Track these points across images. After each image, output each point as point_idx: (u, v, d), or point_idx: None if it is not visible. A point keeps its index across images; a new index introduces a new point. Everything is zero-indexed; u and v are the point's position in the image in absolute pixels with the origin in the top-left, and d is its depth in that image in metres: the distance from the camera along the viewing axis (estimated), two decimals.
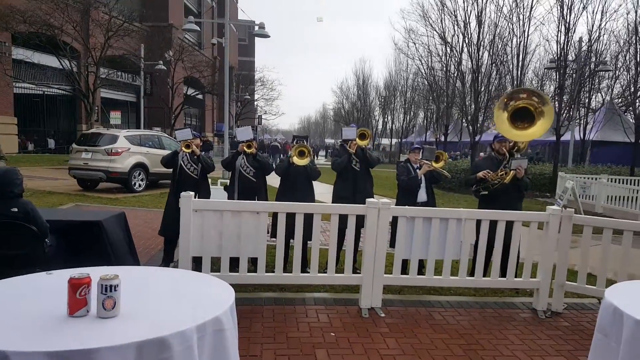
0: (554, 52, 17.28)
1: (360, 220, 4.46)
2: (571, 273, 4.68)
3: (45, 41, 20.43)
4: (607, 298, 2.24)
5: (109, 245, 4.22)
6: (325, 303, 4.38)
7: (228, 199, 5.38)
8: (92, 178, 12.15)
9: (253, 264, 4.67)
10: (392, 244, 4.59)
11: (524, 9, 18.52)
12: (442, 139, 27.17)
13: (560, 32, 16.15)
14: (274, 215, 4.64)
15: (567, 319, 4.33)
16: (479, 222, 4.43)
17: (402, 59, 38.23)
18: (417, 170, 5.21)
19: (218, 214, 4.05)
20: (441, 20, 21.94)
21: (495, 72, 20.30)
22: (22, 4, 19.39)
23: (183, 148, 5.16)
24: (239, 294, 4.38)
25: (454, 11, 21.18)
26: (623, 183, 13.51)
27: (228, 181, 5.65)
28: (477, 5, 20.13)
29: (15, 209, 3.46)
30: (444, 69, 23.70)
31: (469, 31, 20.51)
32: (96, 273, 1.87)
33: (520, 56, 18.92)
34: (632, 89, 18.78)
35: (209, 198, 5.32)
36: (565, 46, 16.06)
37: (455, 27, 21.33)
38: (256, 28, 15.84)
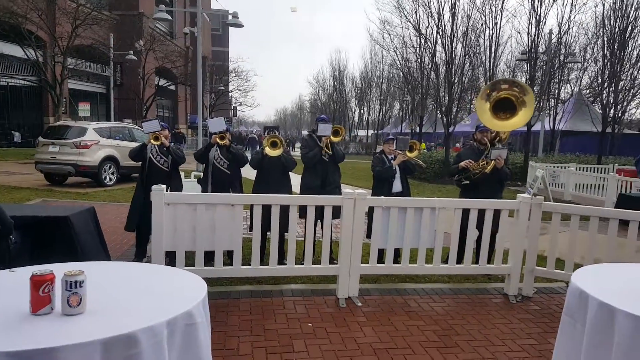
0: (525, 44, 17.64)
1: (335, 211, 4.49)
2: (541, 258, 4.83)
3: (8, 30, 19.59)
4: (573, 282, 2.32)
5: (78, 241, 4.09)
6: (303, 294, 4.40)
7: (202, 191, 5.31)
8: (60, 172, 11.78)
9: (229, 257, 4.65)
10: (368, 235, 4.63)
11: (496, 1, 18.80)
12: (418, 130, 27.49)
13: (531, 24, 16.52)
14: (251, 208, 4.61)
15: (537, 302, 4.48)
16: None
17: (377, 50, 38.42)
18: (392, 161, 5.26)
19: (192, 207, 3.99)
20: (415, 12, 22.06)
21: (468, 64, 20.58)
22: None
23: (152, 140, 5.01)
24: (215, 288, 4.37)
25: (428, 3, 21.31)
26: (590, 171, 13.99)
27: (202, 174, 5.57)
28: None
29: None
30: (419, 60, 23.88)
31: (442, 23, 20.70)
32: (61, 269, 1.81)
33: (493, 48, 19.20)
34: (600, 80, 19.39)
35: (181, 191, 5.22)
36: (535, 38, 16.43)
37: (429, 19, 21.49)
38: (230, 17, 15.62)
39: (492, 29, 19.17)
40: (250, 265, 4.28)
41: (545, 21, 16.69)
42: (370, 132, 47.09)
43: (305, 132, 70.76)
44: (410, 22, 22.53)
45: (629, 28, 17.42)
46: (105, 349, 1.55)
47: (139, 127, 15.23)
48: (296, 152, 22.03)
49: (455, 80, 19.81)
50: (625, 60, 17.79)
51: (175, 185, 5.15)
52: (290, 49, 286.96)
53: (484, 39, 19.74)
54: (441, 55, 21.39)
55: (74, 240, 4.04)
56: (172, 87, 35.22)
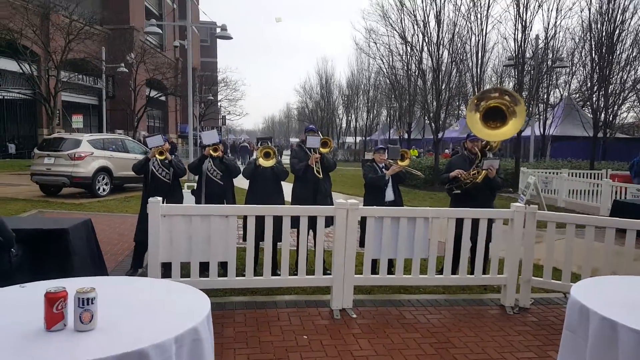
0: (512, 50, 17.81)
1: (328, 220, 4.44)
2: (537, 268, 4.79)
3: (4, 45, 19.80)
4: (573, 296, 2.28)
5: (77, 253, 4.11)
6: (297, 305, 4.33)
7: (195, 202, 5.29)
8: (55, 183, 11.79)
9: (222, 267, 4.60)
10: (362, 243, 4.58)
11: (481, 7, 18.96)
12: (406, 136, 27.57)
13: (517, 30, 16.61)
14: (244, 219, 4.56)
15: (535, 314, 4.41)
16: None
17: (363, 58, 38.61)
18: (385, 171, 5.22)
19: (187, 219, 3.98)
20: (401, 20, 22.20)
21: (455, 70, 20.71)
22: None
23: (157, 155, 5.06)
24: (210, 299, 4.28)
25: (413, 11, 21.46)
26: (583, 177, 14.02)
27: (195, 185, 5.54)
28: (436, 5, 20.48)
29: None
30: (405, 67, 23.99)
31: (428, 30, 20.82)
32: (72, 286, 1.85)
33: (479, 54, 19.37)
34: (589, 84, 19.54)
35: (181, 202, 5.26)
36: (522, 44, 16.53)
37: (415, 27, 21.61)
38: (218, 30, 15.65)
39: (478, 36, 19.35)
40: (244, 276, 4.24)
41: (531, 26, 16.83)
42: (358, 138, 47.19)
43: (293, 140, 70.79)
44: (395, 30, 22.66)
45: (617, 31, 17.59)
46: None
47: (131, 139, 15.20)
48: (285, 160, 22.01)
49: (443, 87, 19.91)
50: (614, 63, 17.95)
51: (176, 196, 5.20)
52: (277, 58, 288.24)
53: (471, 46, 19.92)
54: (428, 62, 21.54)
55: (73, 253, 4.05)
56: (163, 98, 35.20)
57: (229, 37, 15.34)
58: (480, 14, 18.85)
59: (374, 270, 4.69)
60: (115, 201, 11.06)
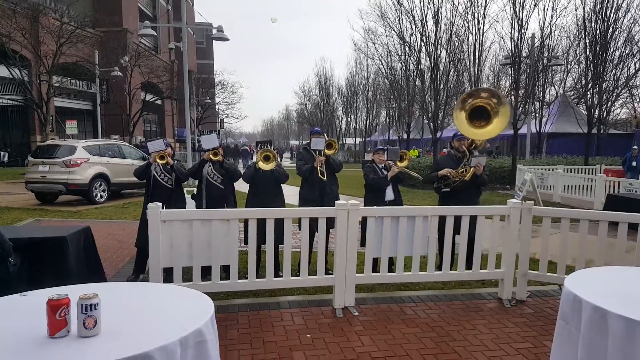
0: (508, 49, 17.97)
1: (330, 221, 4.55)
2: (533, 262, 4.91)
3: None
4: (567, 286, 2.39)
5: (75, 261, 4.12)
6: (300, 305, 4.43)
7: (196, 207, 5.34)
8: (51, 191, 11.76)
9: (225, 271, 4.67)
10: (363, 243, 4.68)
11: (478, 7, 19.16)
12: (405, 136, 27.70)
13: (514, 29, 16.82)
14: (245, 222, 4.64)
15: (531, 306, 4.56)
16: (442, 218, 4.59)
17: (362, 59, 38.85)
18: (384, 171, 5.34)
19: (187, 224, 4.03)
20: (399, 20, 22.42)
21: (453, 70, 20.88)
22: None
23: (158, 160, 5.09)
24: (213, 302, 4.38)
25: (411, 11, 21.68)
26: (578, 173, 14.21)
27: (195, 189, 5.60)
28: (434, 5, 20.70)
29: None
30: (404, 68, 24.19)
31: (426, 30, 21.04)
32: (74, 292, 1.86)
33: (477, 53, 19.55)
34: (584, 82, 19.74)
35: (184, 207, 5.28)
36: (518, 42, 16.73)
37: (413, 27, 21.84)
38: (214, 31, 15.70)
39: (475, 35, 19.55)
40: (246, 278, 4.31)
41: (527, 25, 17.09)
42: (358, 139, 47.34)
43: (292, 142, 70.48)
44: (394, 30, 22.87)
45: (610, 30, 17.79)
46: None
47: (127, 144, 15.22)
48: (285, 162, 22.12)
49: (441, 87, 20.08)
50: (607, 61, 18.15)
51: (178, 202, 5.24)
52: (275, 59, 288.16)
53: (468, 45, 20.12)
54: (426, 62, 21.71)
55: (72, 261, 4.07)
56: (159, 102, 35.13)
57: (226, 39, 15.39)
58: (477, 14, 19.08)
59: (375, 268, 4.80)
60: (113, 208, 11.09)
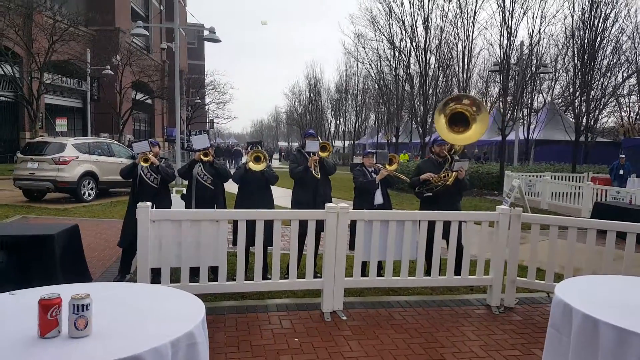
0: (497, 56, 18.11)
1: (320, 224, 4.51)
2: (521, 269, 4.91)
3: None
4: (557, 295, 2.38)
5: (62, 259, 4.06)
6: (288, 309, 4.38)
7: (185, 207, 5.29)
8: (39, 188, 11.63)
9: (212, 272, 4.61)
10: (352, 246, 4.65)
11: (467, 14, 19.31)
12: (394, 140, 27.77)
13: (503, 36, 16.97)
14: (234, 223, 4.59)
15: (520, 313, 4.54)
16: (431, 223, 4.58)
17: (352, 63, 38.96)
18: (374, 175, 5.32)
19: (176, 224, 3.97)
20: (389, 26, 22.52)
21: (442, 75, 21.01)
22: None
23: (142, 162, 5.00)
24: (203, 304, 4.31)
25: (402, 16, 21.79)
26: (566, 180, 14.33)
27: (184, 189, 5.54)
28: (424, 11, 20.84)
29: None
30: (393, 72, 24.30)
31: (416, 36, 21.16)
32: (65, 292, 1.84)
33: (466, 60, 19.70)
34: (571, 90, 19.97)
35: (170, 208, 5.21)
36: (507, 50, 16.87)
37: (403, 32, 21.96)
38: (206, 32, 15.62)
39: (464, 42, 19.69)
40: (234, 280, 4.26)
41: (516, 33, 17.18)
42: (347, 142, 47.36)
43: (282, 144, 70.19)
44: (384, 35, 22.97)
45: (598, 39, 18.02)
46: None
47: (117, 142, 15.06)
48: (274, 164, 22.07)
49: (430, 92, 20.18)
50: (595, 70, 18.38)
51: (164, 202, 5.15)
52: (265, 61, 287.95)
53: (457, 51, 20.27)
54: (415, 67, 21.83)
55: (59, 259, 4.00)
56: (149, 101, 34.89)
57: (217, 40, 15.32)
58: (467, 20, 19.24)
59: (364, 272, 4.77)
60: (101, 206, 10.95)
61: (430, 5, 20.66)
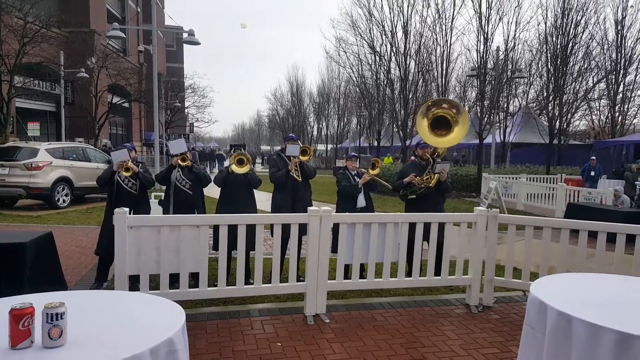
0: (474, 61, 18.46)
1: (302, 228, 4.53)
2: (498, 268, 5.03)
3: None
4: (532, 292, 2.46)
5: (35, 268, 3.96)
6: (270, 313, 4.38)
7: (163, 213, 5.23)
8: (10, 195, 11.28)
9: (193, 278, 4.58)
10: (334, 249, 4.69)
11: (446, 19, 19.64)
12: (375, 143, 27.99)
13: (480, 41, 17.32)
14: (215, 227, 4.58)
15: (498, 312, 4.66)
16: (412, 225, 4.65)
17: (334, 67, 39.15)
18: (357, 178, 5.39)
19: (155, 230, 3.94)
20: (370, 30, 22.73)
21: (421, 80, 21.28)
22: None
23: (123, 172, 4.91)
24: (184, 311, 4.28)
25: (382, 21, 22.03)
26: (540, 181, 14.68)
27: (162, 195, 5.49)
28: (403, 16, 21.11)
29: None
30: (374, 76, 24.52)
31: (396, 41, 21.42)
32: (39, 301, 1.79)
33: (444, 64, 20.02)
34: (545, 94, 20.45)
35: (149, 214, 5.13)
36: (484, 55, 17.23)
37: (383, 37, 22.20)
38: (185, 35, 15.51)
39: (443, 47, 20.02)
40: (216, 286, 4.25)
41: (492, 39, 17.55)
42: (329, 146, 47.51)
43: (264, 148, 69.85)
44: (364, 40, 23.16)
45: (570, 45, 18.52)
46: None
47: (92, 147, 14.79)
48: (256, 168, 22.00)
49: (410, 96, 20.41)
50: (567, 75, 18.88)
51: (143, 208, 5.08)
52: (247, 65, 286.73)
53: (436, 56, 20.57)
54: (396, 71, 22.07)
55: (32, 268, 3.90)
56: (126, 105, 34.35)
57: (196, 42, 15.22)
58: (445, 26, 19.55)
59: (347, 275, 4.81)
60: (77, 213, 10.73)
61: (409, 11, 20.96)
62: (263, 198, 5.45)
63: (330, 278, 4.46)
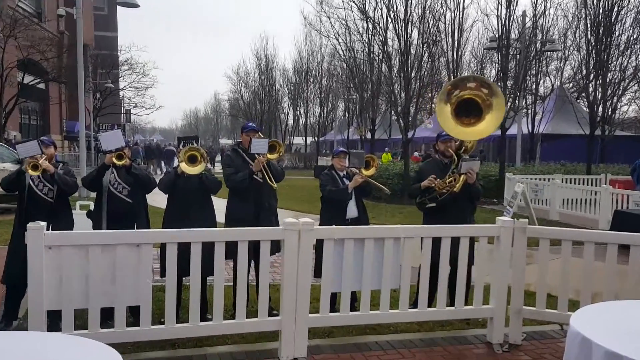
0: (494, 29, 18.66)
1: (276, 245, 4.53)
2: (528, 295, 5.08)
3: None
4: (573, 326, 2.48)
5: None
6: (234, 359, 4.35)
7: (93, 228, 5.17)
8: None
9: (132, 314, 4.53)
10: (318, 273, 4.68)
11: None
12: (369, 136, 28.07)
13: (501, 4, 17.48)
14: (162, 247, 4.53)
15: (528, 351, 4.70)
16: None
17: (314, 37, 39.18)
18: (346, 181, 5.40)
19: (82, 250, 3.90)
20: None
21: (427, 54, 21.40)
22: None
23: (29, 170, 4.82)
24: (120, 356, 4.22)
25: None
26: (579, 183, 14.88)
27: (92, 204, 5.42)
28: None
29: None
30: (366, 49, 24.56)
31: (394, 3, 21.50)
32: None
33: (456, 34, 20.21)
34: (584, 71, 20.68)
35: (71, 229, 5.07)
36: (506, 22, 17.40)
37: None
38: None
39: (454, 12, 20.20)
40: (163, 323, 4.22)
41: (517, 1, 17.74)
42: (309, 139, 47.59)
43: (224, 142, 69.49)
44: (354, 2, 23.18)
45: (615, 9, 18.77)
46: None
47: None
48: (216, 169, 21.86)
49: (413, 74, 20.51)
50: (612, 47, 19.12)
51: (63, 221, 5.02)
52: (203, 35, 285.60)
53: (445, 24, 20.75)
54: (394, 43, 22.14)
55: None
56: (42, 86, 33.84)
57: (135, 5, 15.09)
58: None
59: (334, 307, 4.80)
60: None
61: None
62: (223, 206, 5.41)
63: (312, 311, 4.45)
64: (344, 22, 25.14)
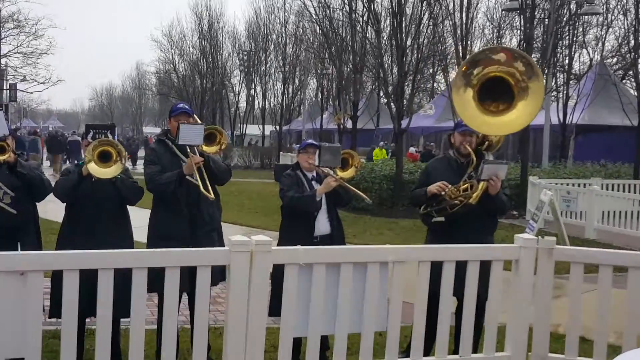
0: None
1: (218, 273, 4.52)
2: (555, 338, 5.13)
3: None
4: None
5: None
6: None
7: None
8: None
9: None
10: (275, 311, 4.67)
11: None
12: (349, 125, 28.10)
13: None
14: (55, 277, 4.46)
15: None
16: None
17: None
18: (315, 184, 5.41)
19: None
20: None
21: (427, 16, 21.54)
22: None
23: None
24: None
25: None
26: (624, 190, 15.04)
27: None
28: None
29: None
30: (347, 7, 24.61)
31: None
32: None
33: None
34: (633, 43, 21.01)
35: None
36: None
37: None
38: None
39: None
40: None
41: None
42: (269, 128, 47.55)
43: (148, 131, 68.94)
44: None
45: None
46: None
47: None
48: (139, 169, 21.63)
49: (408, 43, 20.60)
50: None
51: None
52: None
53: None
54: (383, 1, 22.24)
55: None
56: None
57: None
58: None
59: (297, 357, 4.79)
60: None
61: None
62: (145, 220, 5.35)
63: None
64: None
